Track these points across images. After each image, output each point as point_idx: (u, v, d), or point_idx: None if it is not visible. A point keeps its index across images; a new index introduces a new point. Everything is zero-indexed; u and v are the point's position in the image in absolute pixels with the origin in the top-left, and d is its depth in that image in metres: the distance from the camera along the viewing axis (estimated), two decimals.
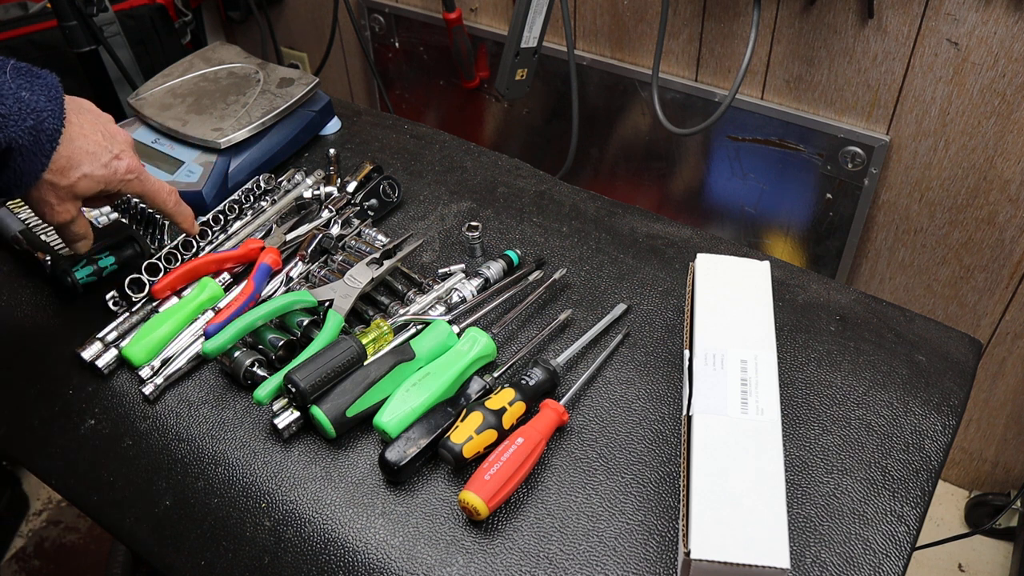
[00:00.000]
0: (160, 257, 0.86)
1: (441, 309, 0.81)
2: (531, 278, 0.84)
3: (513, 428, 0.68)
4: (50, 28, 1.36)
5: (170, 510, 0.69)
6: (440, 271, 0.86)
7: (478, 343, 0.74)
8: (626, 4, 1.34)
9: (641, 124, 1.44)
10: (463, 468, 0.68)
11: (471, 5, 1.53)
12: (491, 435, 0.67)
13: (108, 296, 0.83)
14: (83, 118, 0.72)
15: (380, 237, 0.90)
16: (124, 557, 1.43)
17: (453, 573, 0.62)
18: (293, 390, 0.69)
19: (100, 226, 0.86)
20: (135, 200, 0.92)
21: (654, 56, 1.22)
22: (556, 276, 0.84)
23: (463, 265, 0.86)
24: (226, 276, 0.86)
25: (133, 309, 0.82)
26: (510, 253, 0.87)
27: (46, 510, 1.66)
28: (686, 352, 0.72)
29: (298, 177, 0.99)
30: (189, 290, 0.83)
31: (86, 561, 1.57)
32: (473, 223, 0.88)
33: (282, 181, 0.99)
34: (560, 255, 0.89)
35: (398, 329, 0.78)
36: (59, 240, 0.85)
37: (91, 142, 0.71)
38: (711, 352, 0.69)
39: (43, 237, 0.86)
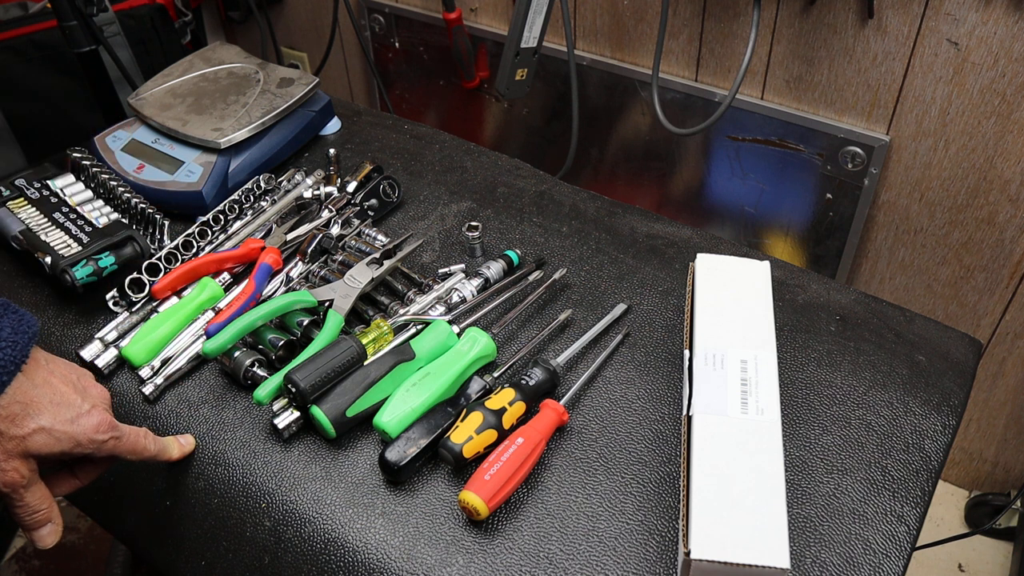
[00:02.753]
0: (160, 257, 0.86)
1: (441, 309, 0.81)
2: (531, 278, 0.84)
3: (513, 428, 0.68)
4: (50, 28, 1.36)
5: (170, 510, 0.69)
6: (440, 271, 0.86)
7: (478, 343, 0.74)
8: (626, 4, 1.34)
9: (641, 124, 1.44)
10: (463, 468, 0.68)
11: (471, 5, 1.53)
12: (491, 435, 0.67)
13: (108, 296, 0.83)
14: (54, 366, 0.61)
15: (380, 237, 0.90)
16: (124, 557, 1.43)
17: (453, 573, 0.62)
18: (293, 390, 0.69)
19: (100, 226, 0.86)
20: (135, 200, 0.92)
21: (654, 56, 1.22)
22: (556, 276, 0.84)
23: (463, 265, 0.86)
24: (226, 276, 0.86)
25: (133, 309, 0.82)
26: (510, 253, 0.87)
27: None
28: (686, 352, 0.72)
29: (298, 177, 0.99)
30: (189, 290, 0.83)
31: (86, 561, 1.57)
32: (473, 223, 0.88)
33: (282, 181, 0.99)
34: (560, 255, 0.89)
35: (398, 329, 0.78)
36: (59, 240, 0.85)
37: (57, 391, 0.60)
38: (711, 352, 0.69)
39: (43, 237, 0.86)
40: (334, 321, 0.76)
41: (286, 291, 0.84)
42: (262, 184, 0.97)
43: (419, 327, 0.78)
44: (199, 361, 0.79)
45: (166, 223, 0.92)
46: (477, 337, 0.74)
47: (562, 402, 0.71)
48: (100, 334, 0.80)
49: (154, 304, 0.83)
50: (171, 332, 0.79)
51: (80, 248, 0.83)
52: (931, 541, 1.34)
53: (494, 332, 0.76)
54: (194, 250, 0.89)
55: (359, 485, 0.68)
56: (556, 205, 0.97)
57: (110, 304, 0.83)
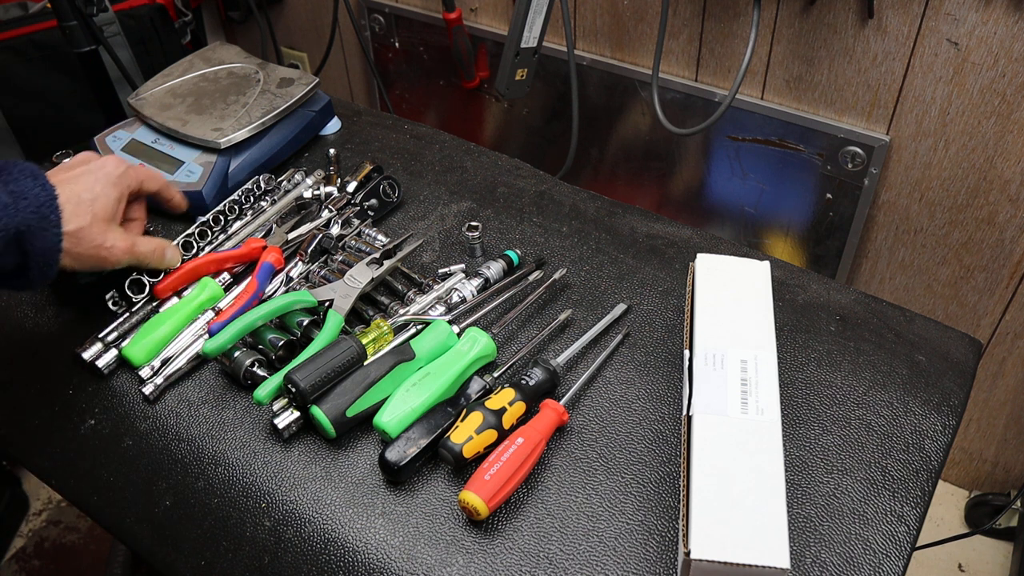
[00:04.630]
0: None
1: (441, 309, 0.81)
2: (531, 278, 0.84)
3: (513, 428, 0.68)
4: (50, 28, 1.36)
5: (170, 510, 0.69)
6: (440, 271, 0.86)
7: (478, 343, 0.74)
8: (626, 4, 1.34)
9: (641, 124, 1.44)
10: (463, 468, 0.68)
11: (471, 5, 1.53)
12: (491, 435, 0.67)
13: (108, 296, 0.83)
14: (63, 169, 0.74)
15: (380, 237, 0.90)
16: (124, 557, 1.43)
17: (453, 573, 0.62)
18: (293, 390, 0.69)
19: None
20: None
21: (654, 56, 1.22)
22: (556, 276, 0.84)
23: (463, 265, 0.86)
24: (226, 276, 0.86)
25: (133, 309, 0.82)
26: (510, 253, 0.87)
27: (46, 510, 1.66)
28: (686, 352, 0.72)
29: (298, 177, 0.99)
30: (189, 290, 0.83)
31: (86, 561, 1.57)
32: (473, 223, 0.88)
33: (282, 181, 0.99)
34: (560, 255, 0.89)
35: (398, 329, 0.78)
36: None
37: (76, 176, 0.73)
38: (711, 352, 0.69)
39: None
40: (334, 321, 0.77)
41: (286, 291, 0.84)
42: (262, 184, 0.97)
43: (419, 327, 0.78)
44: (199, 361, 0.79)
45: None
46: (477, 337, 0.74)
47: (562, 402, 0.70)
48: (100, 334, 0.80)
49: (154, 304, 0.83)
50: (171, 332, 0.79)
51: None
52: (931, 541, 1.34)
53: (494, 332, 0.76)
54: (194, 250, 0.89)
55: (359, 485, 0.68)
56: (556, 205, 0.97)
57: (110, 304, 0.83)
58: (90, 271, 0.74)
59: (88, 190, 0.72)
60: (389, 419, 0.68)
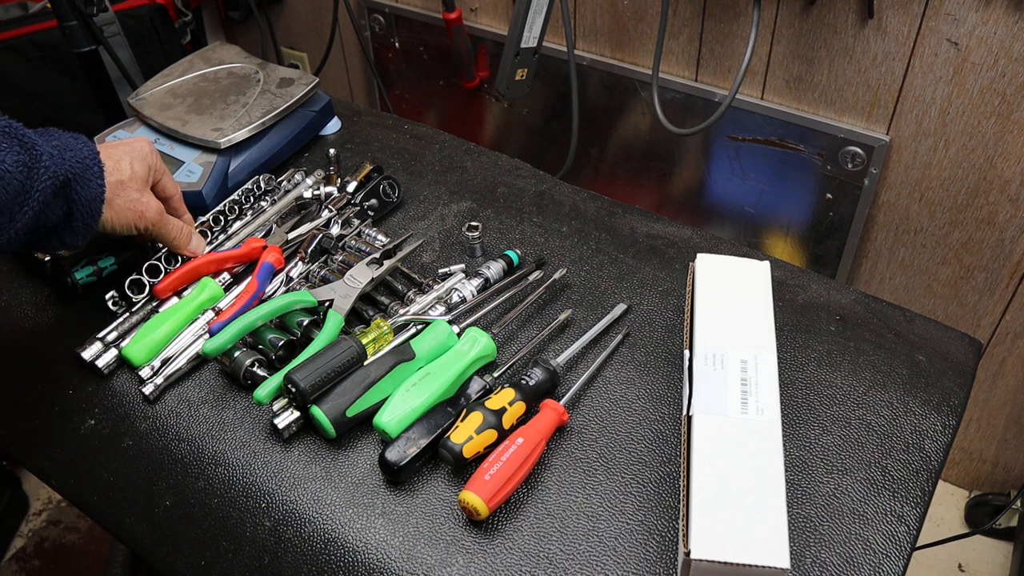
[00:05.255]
0: (160, 258, 0.86)
1: (441, 309, 0.81)
2: (531, 278, 0.84)
3: (513, 428, 0.68)
4: (50, 28, 1.36)
5: (170, 510, 0.70)
6: (440, 271, 0.86)
7: (478, 343, 0.74)
8: (626, 4, 1.34)
9: (641, 124, 1.44)
10: (463, 468, 0.68)
11: (471, 5, 1.53)
12: (491, 435, 0.67)
13: (108, 296, 0.83)
14: (103, 145, 0.79)
15: (380, 237, 0.90)
16: (124, 557, 1.43)
17: (453, 573, 0.62)
18: (293, 390, 0.69)
19: None
20: None
21: (654, 56, 1.22)
22: (556, 276, 0.84)
23: (463, 265, 0.86)
24: (226, 276, 0.86)
25: (133, 309, 0.82)
26: (510, 253, 0.87)
27: (46, 510, 1.66)
28: (686, 352, 0.72)
29: (298, 177, 0.99)
30: (189, 290, 0.83)
31: (86, 561, 1.57)
32: (473, 223, 0.88)
33: (282, 181, 0.99)
34: (560, 255, 0.89)
35: (398, 329, 0.78)
36: None
37: (112, 145, 0.79)
38: (711, 352, 0.69)
39: None
40: (334, 321, 0.77)
41: (286, 291, 0.84)
42: (262, 184, 0.97)
43: (419, 327, 0.78)
44: (199, 361, 0.79)
45: None
46: (477, 337, 0.74)
47: (562, 402, 0.71)
48: (100, 334, 0.80)
49: (154, 304, 0.83)
50: (171, 332, 0.79)
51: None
52: (931, 541, 1.34)
53: (494, 332, 0.76)
54: None
55: (359, 485, 0.68)
56: (556, 205, 0.97)
57: (110, 304, 0.83)
58: (125, 229, 0.78)
59: (126, 155, 0.78)
60: (389, 419, 0.68)
